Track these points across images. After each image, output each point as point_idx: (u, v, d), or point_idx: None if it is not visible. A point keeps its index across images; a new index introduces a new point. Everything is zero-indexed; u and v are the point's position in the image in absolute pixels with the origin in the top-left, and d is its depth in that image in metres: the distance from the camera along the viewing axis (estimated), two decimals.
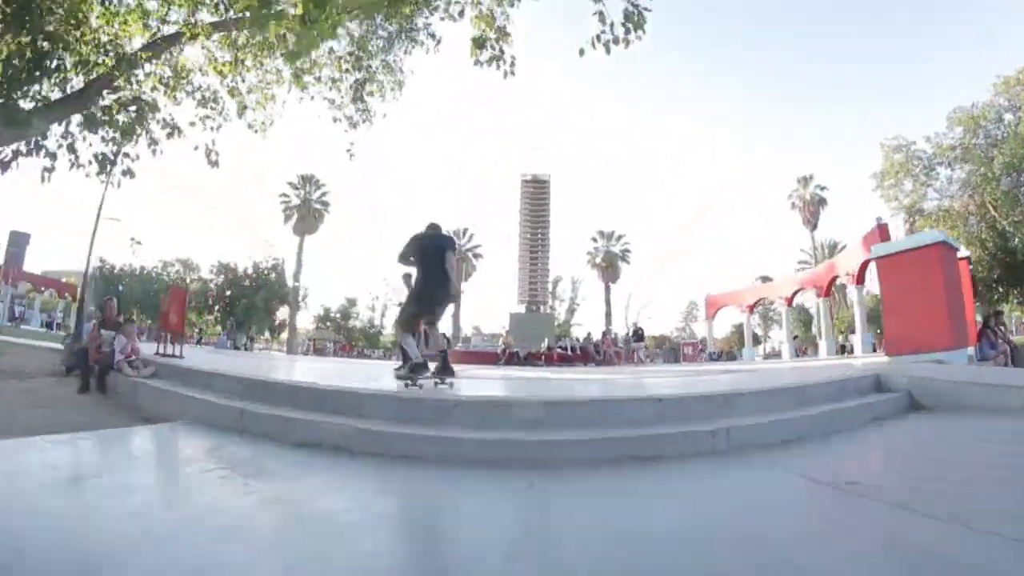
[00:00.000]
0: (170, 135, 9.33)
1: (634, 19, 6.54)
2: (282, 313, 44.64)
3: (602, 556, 1.91)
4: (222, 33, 9.57)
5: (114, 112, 8.85)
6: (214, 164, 9.55)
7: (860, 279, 18.47)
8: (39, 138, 8.20)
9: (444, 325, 6.12)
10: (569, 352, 24.19)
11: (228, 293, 39.37)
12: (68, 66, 8.56)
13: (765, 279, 40.58)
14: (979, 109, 22.90)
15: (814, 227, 45.51)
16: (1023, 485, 2.62)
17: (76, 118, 8.57)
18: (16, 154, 8.09)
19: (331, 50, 10.57)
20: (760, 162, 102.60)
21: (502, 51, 7.08)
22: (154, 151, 9.30)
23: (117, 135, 8.70)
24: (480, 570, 1.83)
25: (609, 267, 52.48)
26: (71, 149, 8.45)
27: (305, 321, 53.13)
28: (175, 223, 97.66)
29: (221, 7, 9.33)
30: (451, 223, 49.62)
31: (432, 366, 5.38)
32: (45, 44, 7.99)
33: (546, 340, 25.92)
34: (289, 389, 4.69)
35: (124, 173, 8.98)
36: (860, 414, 4.40)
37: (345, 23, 9.71)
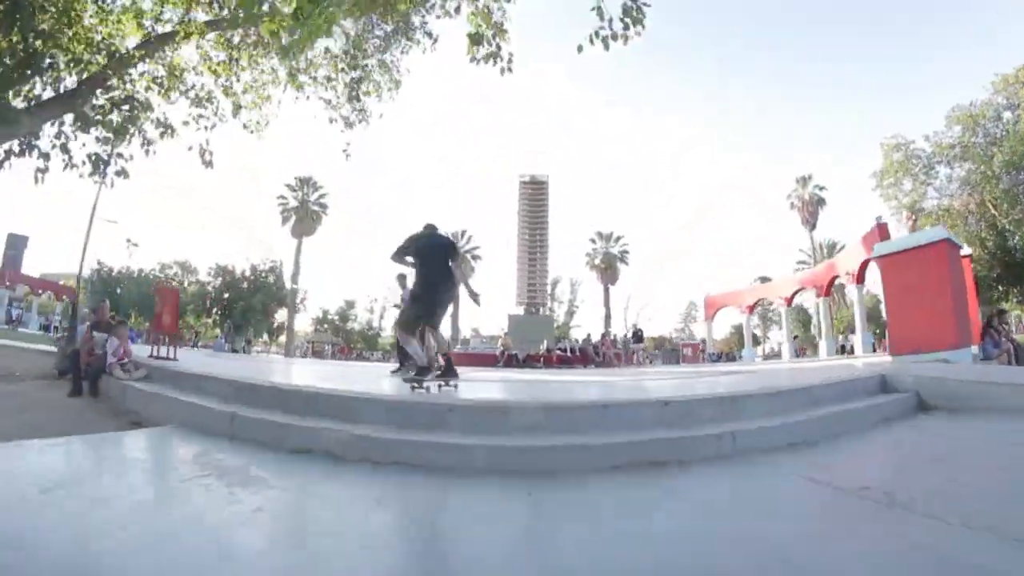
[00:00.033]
0: (163, 135, 9.24)
1: (632, 14, 6.43)
2: (280, 316, 44.58)
3: (606, 571, 1.79)
4: (216, 32, 9.50)
5: (107, 112, 8.75)
6: (208, 164, 9.47)
7: (860, 279, 18.38)
8: (32, 138, 8.11)
9: (443, 326, 5.97)
10: (568, 354, 24.10)
11: (226, 296, 39.25)
12: (61, 65, 8.48)
13: (764, 279, 40.51)
14: (978, 108, 22.89)
15: (813, 227, 45.44)
16: None
17: (69, 118, 8.49)
18: (8, 154, 8.01)
19: (327, 49, 10.50)
20: (760, 162, 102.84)
21: (499, 47, 6.97)
22: (147, 151, 9.21)
23: (110, 135, 8.59)
24: None
25: (608, 268, 52.36)
26: (64, 149, 8.37)
27: (304, 323, 53.06)
28: (168, 223, 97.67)
29: (215, 5, 9.25)
30: (449, 224, 49.59)
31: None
32: (37, 43, 7.90)
33: (545, 342, 25.83)
34: (281, 393, 4.54)
35: (118, 173, 8.89)
36: (868, 415, 4.28)
37: (340, 20, 9.63)
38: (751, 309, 26.92)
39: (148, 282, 39.66)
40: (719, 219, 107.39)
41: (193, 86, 9.76)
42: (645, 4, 6.48)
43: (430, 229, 6.03)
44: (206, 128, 9.63)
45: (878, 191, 25.40)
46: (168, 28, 9.09)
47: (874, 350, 19.00)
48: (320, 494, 2.78)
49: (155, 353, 8.21)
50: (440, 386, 5.27)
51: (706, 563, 1.90)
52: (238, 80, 10.12)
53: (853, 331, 25.86)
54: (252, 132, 10.65)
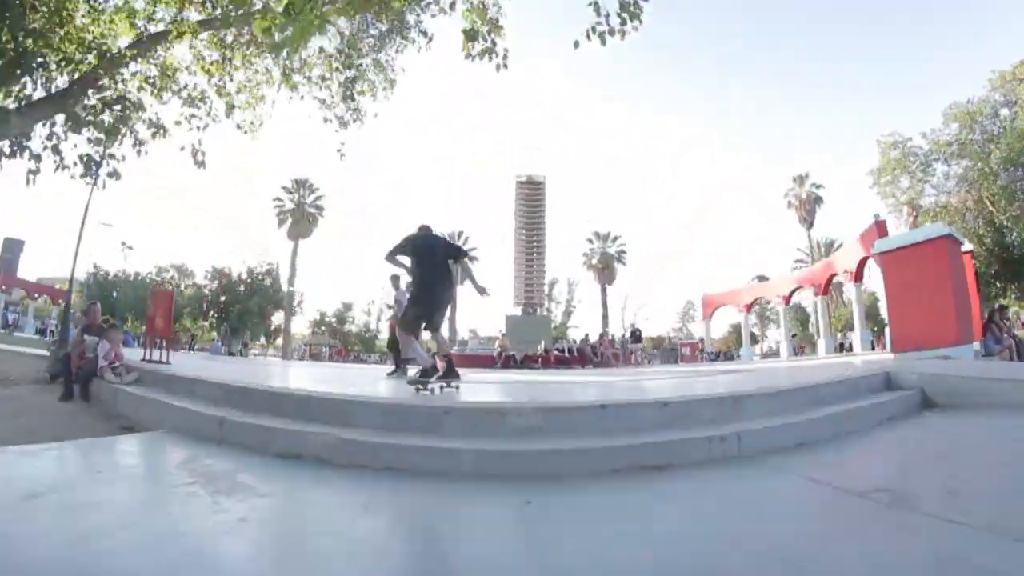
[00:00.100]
0: (155, 135, 9.14)
1: (630, 9, 6.38)
2: (277, 318, 44.42)
3: None
4: (209, 31, 9.41)
5: (98, 112, 8.66)
6: (200, 164, 9.36)
7: (858, 277, 18.36)
8: (23, 139, 8.02)
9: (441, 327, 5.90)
10: (566, 354, 24.03)
11: (223, 299, 39.10)
12: (52, 65, 8.38)
13: (762, 278, 40.45)
14: (975, 105, 22.85)
15: (810, 225, 45.40)
16: None
17: (60, 118, 8.39)
18: None
19: (321, 49, 10.42)
20: (760, 162, 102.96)
21: (494, 43, 6.89)
22: (139, 151, 9.11)
23: (102, 135, 8.50)
24: None
25: (605, 268, 52.26)
26: (56, 151, 8.29)
27: (301, 326, 52.88)
28: (160, 224, 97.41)
29: (208, 5, 9.16)
30: (445, 225, 49.53)
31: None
32: (28, 42, 7.80)
33: (543, 342, 25.75)
34: (272, 396, 4.43)
35: (110, 175, 8.82)
36: (873, 414, 4.18)
37: (332, 18, 9.55)
38: (749, 308, 26.88)
39: (144, 285, 39.44)
40: (719, 219, 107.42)
41: (186, 86, 9.67)
42: None
43: (425, 230, 5.97)
44: (199, 128, 9.54)
45: (875, 189, 25.35)
46: (161, 28, 9.00)
47: (872, 348, 18.97)
48: (308, 502, 2.68)
49: (148, 356, 8.10)
50: (442, 387, 5.23)
51: (715, 573, 1.80)
52: (231, 80, 10.04)
53: (851, 329, 25.87)
54: (246, 132, 10.57)
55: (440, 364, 5.38)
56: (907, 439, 3.73)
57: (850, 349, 21.04)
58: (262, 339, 45.92)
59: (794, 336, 30.36)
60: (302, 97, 10.51)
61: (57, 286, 36.05)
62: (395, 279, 9.13)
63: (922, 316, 7.48)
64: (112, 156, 8.78)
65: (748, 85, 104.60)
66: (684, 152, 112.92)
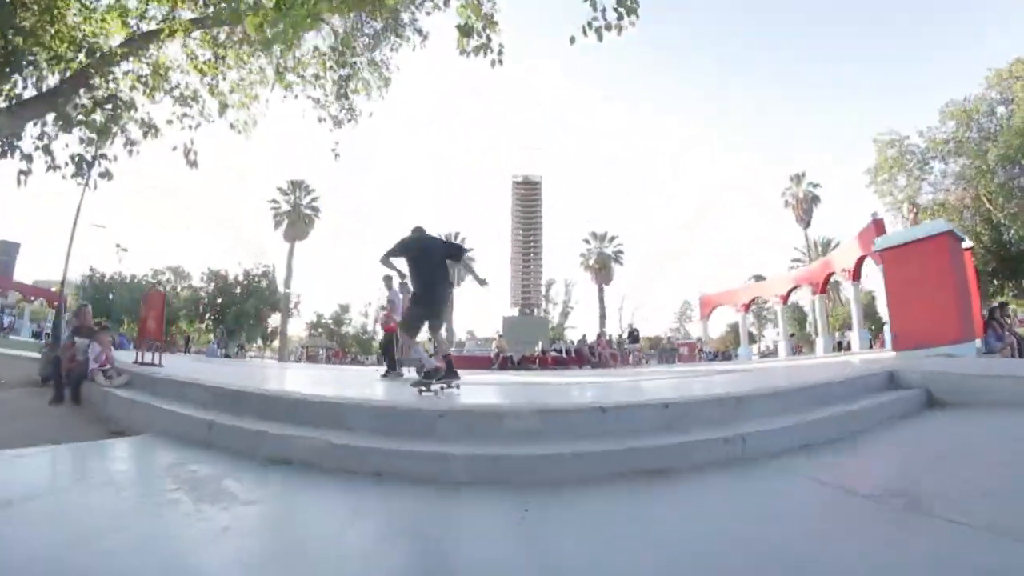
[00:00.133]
0: (147, 134, 9.03)
1: (626, 3, 6.26)
2: (274, 320, 44.24)
3: None
4: (202, 30, 9.30)
5: (89, 111, 8.55)
6: (193, 164, 9.25)
7: (856, 275, 18.32)
8: (14, 139, 7.92)
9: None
10: (564, 355, 23.93)
11: (219, 301, 38.91)
12: (42, 63, 8.29)
13: (758, 278, 40.41)
14: (971, 103, 22.87)
15: (807, 225, 45.35)
16: None
17: (51, 118, 8.29)
18: None
19: (315, 48, 10.33)
20: (760, 162, 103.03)
21: (489, 39, 6.77)
22: (131, 151, 9.00)
23: (94, 135, 8.40)
24: None
25: (602, 269, 52.16)
26: (47, 151, 8.18)
27: (298, 328, 52.70)
28: (152, 223, 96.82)
29: (201, 3, 9.06)
30: (441, 226, 49.45)
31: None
32: (17, 40, 7.71)
33: (540, 343, 25.68)
34: (262, 399, 4.32)
35: (101, 175, 8.72)
36: (878, 413, 4.07)
37: (325, 14, 9.45)
38: (746, 308, 26.82)
39: (140, 288, 39.22)
40: (719, 219, 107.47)
41: (177, 85, 9.55)
42: None
43: (419, 231, 5.94)
44: (191, 127, 9.43)
45: (872, 187, 25.36)
46: (153, 26, 8.89)
47: (871, 346, 18.92)
48: (295, 509, 2.57)
49: (140, 359, 7.98)
50: (442, 388, 5.19)
51: None
52: (224, 79, 9.93)
53: (849, 328, 25.83)
54: (240, 132, 10.45)
55: (439, 365, 5.32)
56: (914, 439, 3.63)
57: (848, 348, 20.97)
58: (259, 341, 45.74)
59: (792, 335, 30.28)
60: (296, 96, 10.41)
61: (53, 289, 35.77)
62: (388, 280, 9.10)
63: (924, 313, 7.40)
64: (104, 156, 8.69)
65: (748, 85, 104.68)
66: (684, 152, 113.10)
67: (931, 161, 23.99)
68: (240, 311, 38.27)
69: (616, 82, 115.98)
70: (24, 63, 8.01)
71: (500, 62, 6.80)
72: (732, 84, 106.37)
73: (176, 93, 9.48)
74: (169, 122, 9.25)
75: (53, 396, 6.52)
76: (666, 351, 31.49)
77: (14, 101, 8.03)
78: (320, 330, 53.17)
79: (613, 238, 53.07)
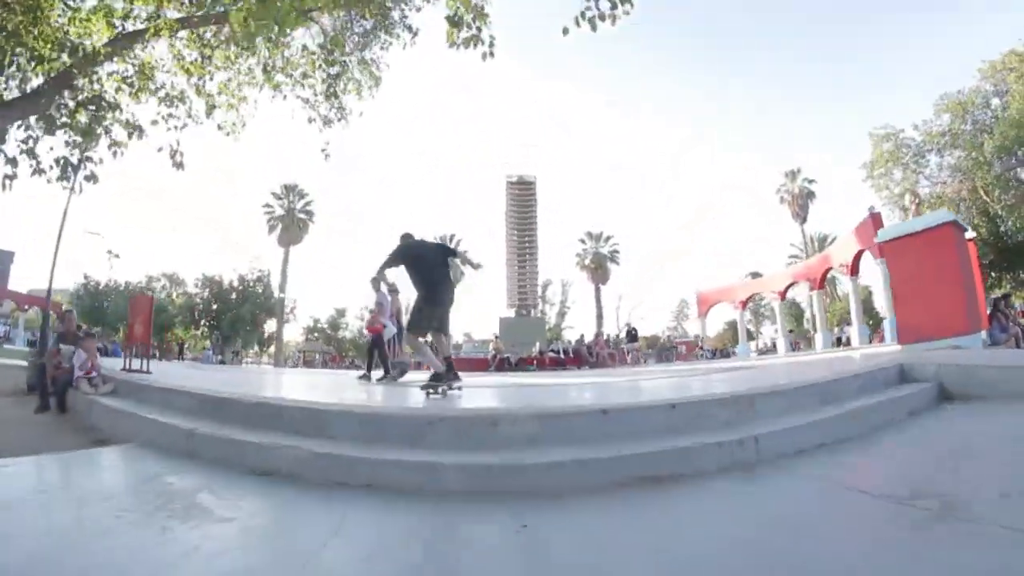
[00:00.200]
0: (131, 135, 8.83)
1: None
2: (271, 326, 43.98)
3: None
4: (188, 30, 9.14)
5: (74, 112, 8.38)
6: (179, 166, 9.05)
7: (854, 270, 18.22)
8: None
9: None
10: (562, 356, 23.76)
11: (214, 307, 38.63)
12: (24, 64, 8.11)
13: (755, 275, 40.32)
14: (966, 95, 22.85)
15: (804, 220, 45.37)
16: None
17: (36, 121, 8.11)
18: None
19: (304, 47, 10.18)
20: (760, 162, 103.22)
21: (479, 30, 6.61)
22: (115, 153, 8.81)
23: (79, 137, 8.23)
24: None
25: (598, 269, 52.03)
26: (31, 154, 8.02)
27: (295, 333, 52.37)
28: (137, 225, 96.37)
29: (187, 1, 8.90)
30: (437, 227, 49.28)
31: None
32: (0, 40, 7.54)
33: (537, 344, 25.52)
34: (247, 406, 4.10)
35: (87, 178, 8.53)
36: (894, 409, 3.88)
37: (312, 8, 9.30)
38: (744, 304, 26.71)
39: (135, 295, 38.96)
40: (719, 219, 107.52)
41: (163, 85, 9.36)
42: None
43: (408, 237, 6.06)
44: (176, 128, 9.24)
45: (868, 182, 25.35)
46: (139, 26, 8.72)
47: (870, 341, 18.80)
48: (271, 527, 2.36)
49: (128, 366, 7.79)
50: (445, 389, 5.17)
51: None
52: (211, 79, 9.77)
53: (847, 323, 25.73)
54: (228, 134, 10.28)
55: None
56: (932, 435, 3.44)
57: (848, 343, 20.84)
58: (255, 347, 45.45)
59: (791, 332, 30.18)
60: (285, 97, 10.28)
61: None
62: (375, 282, 8.95)
63: (929, 306, 7.22)
64: (89, 159, 8.51)
65: (748, 85, 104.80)
66: (684, 152, 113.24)
67: (927, 154, 24.01)
68: (236, 317, 37.98)
69: (616, 82, 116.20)
70: (7, 64, 7.84)
71: (492, 54, 6.65)
72: (732, 84, 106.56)
73: (162, 94, 9.31)
74: (154, 123, 9.06)
75: (38, 405, 6.43)
76: (665, 349, 31.31)
77: None
78: (316, 335, 52.80)
79: (609, 238, 52.99)
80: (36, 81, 8.30)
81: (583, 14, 6.18)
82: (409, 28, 10.31)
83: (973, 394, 4.26)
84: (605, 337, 26.57)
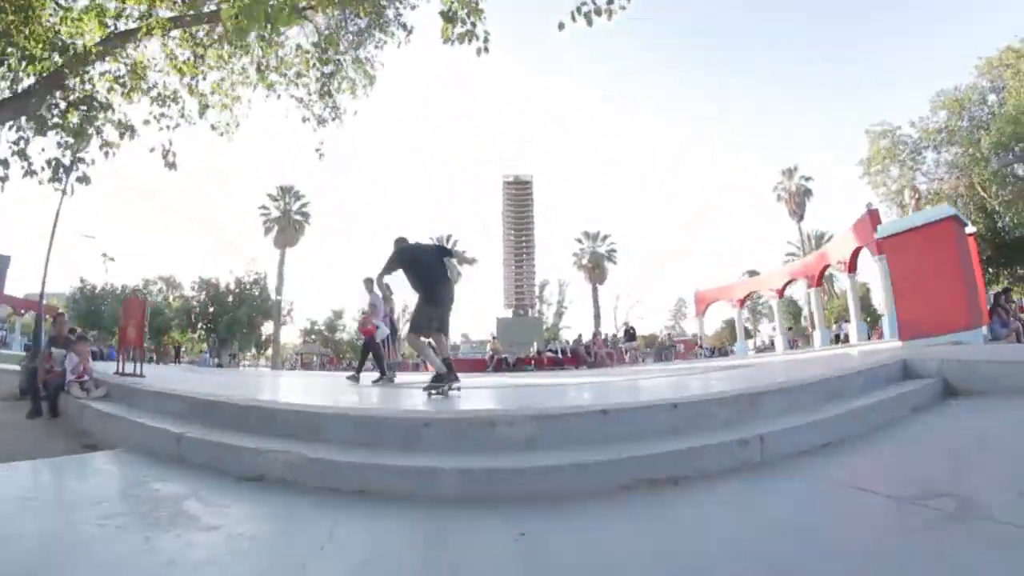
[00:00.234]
0: (123, 135, 8.74)
1: None
2: (268, 328, 43.85)
3: None
4: (181, 29, 9.06)
5: (66, 113, 8.30)
6: (171, 166, 8.97)
7: (852, 267, 18.17)
8: None
9: None
10: (559, 355, 23.68)
11: (211, 310, 38.48)
12: (14, 64, 8.03)
13: (752, 273, 40.33)
14: (963, 92, 22.87)
15: (801, 218, 45.42)
16: None
17: (26, 122, 8.03)
18: None
19: (298, 46, 10.10)
20: (760, 162, 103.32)
21: (474, 25, 6.54)
22: (107, 153, 8.73)
23: (70, 138, 8.16)
24: None
25: (595, 268, 51.96)
26: (23, 155, 7.94)
27: (292, 335, 52.25)
28: (128, 225, 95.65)
29: (179, 1, 8.83)
30: (432, 226, 49.20)
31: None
32: None
33: (535, 344, 25.45)
34: (239, 409, 4.01)
35: (79, 179, 8.46)
36: (898, 406, 3.80)
37: (308, 13, 9.25)
38: (742, 303, 26.65)
39: (128, 297, 38.72)
40: (719, 219, 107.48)
41: (155, 84, 9.27)
42: None
43: (402, 242, 6.07)
44: (169, 128, 9.16)
45: (866, 179, 25.34)
46: (131, 25, 8.63)
47: (869, 338, 18.74)
48: (258, 537, 2.26)
49: (121, 369, 7.69)
50: (447, 389, 5.20)
51: None
52: (204, 79, 9.68)
53: (845, 321, 25.70)
54: (222, 134, 10.21)
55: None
56: (941, 432, 3.37)
57: (846, 340, 20.78)
58: (253, 350, 45.33)
59: (790, 329, 30.16)
60: (279, 96, 10.21)
61: (44, 302, 35.34)
62: (368, 282, 8.91)
63: (930, 301, 7.17)
64: (81, 160, 8.43)
65: (748, 85, 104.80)
66: (684, 152, 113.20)
67: (924, 151, 24.06)
68: (232, 319, 37.85)
69: (612, 77, 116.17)
70: None
71: (486, 50, 6.60)
72: (732, 84, 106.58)
73: (154, 93, 9.23)
74: (146, 122, 8.99)
75: (30, 409, 6.33)
76: (664, 348, 31.23)
77: None
78: (314, 337, 52.69)
79: (606, 237, 52.91)
80: (27, 81, 8.23)
81: (579, 9, 6.14)
82: (404, 26, 10.24)
83: (977, 390, 4.19)
84: (603, 337, 26.52)
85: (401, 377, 9.41)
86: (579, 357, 22.42)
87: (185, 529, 2.20)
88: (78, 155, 8.39)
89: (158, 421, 4.23)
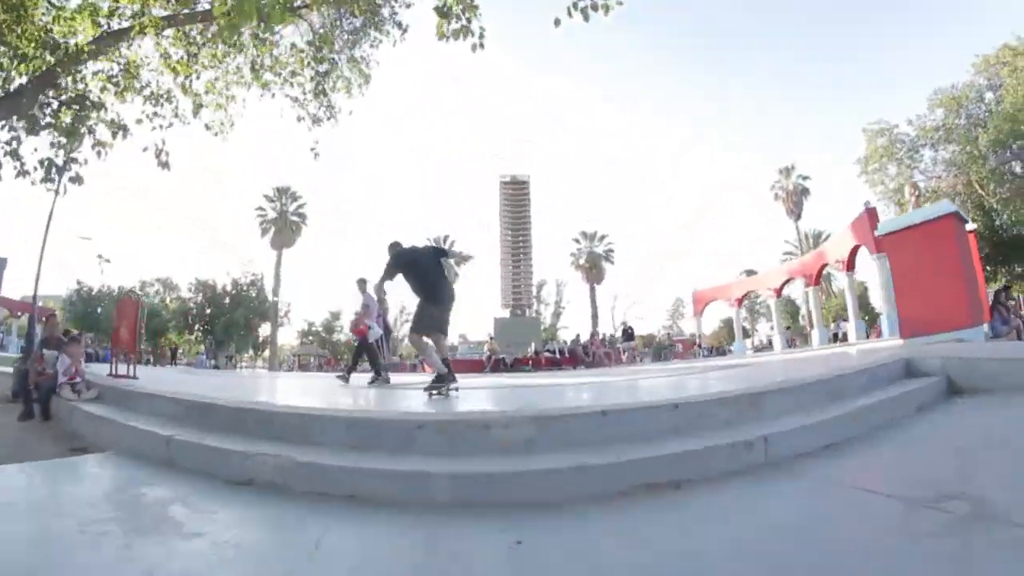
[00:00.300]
0: (116, 135, 8.67)
1: None
2: (265, 330, 43.72)
3: None
4: (175, 28, 8.98)
5: (58, 113, 8.23)
6: (164, 165, 8.89)
7: (850, 265, 18.15)
8: None
9: None
10: (557, 356, 23.61)
11: (208, 311, 38.34)
12: (8, 63, 7.96)
13: (750, 272, 40.32)
14: (960, 90, 22.86)
15: (798, 217, 45.48)
16: None
17: (19, 120, 7.95)
18: None
19: (293, 45, 10.03)
20: (760, 162, 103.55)
21: (469, 21, 6.47)
22: (99, 153, 8.65)
23: (63, 138, 8.09)
24: None
25: (593, 268, 51.94)
26: (15, 155, 7.87)
27: (289, 337, 52.08)
28: (121, 225, 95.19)
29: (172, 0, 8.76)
30: (428, 224, 49.12)
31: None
32: None
33: (533, 344, 25.39)
34: (230, 411, 3.92)
35: (72, 179, 8.40)
36: (902, 405, 3.74)
37: (303, 12, 9.17)
38: (740, 302, 26.61)
39: (122, 298, 38.49)
40: (719, 219, 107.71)
41: (148, 83, 9.20)
42: None
43: (397, 246, 6.13)
44: (161, 127, 9.09)
45: (863, 177, 25.32)
46: (124, 24, 8.56)
47: (867, 336, 18.70)
48: (243, 544, 2.15)
49: (114, 371, 7.61)
50: (444, 391, 5.20)
51: None
52: (198, 78, 9.61)
53: (843, 319, 25.69)
54: (216, 134, 10.13)
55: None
56: (948, 431, 3.30)
57: (844, 339, 20.75)
58: (250, 351, 45.18)
59: (787, 328, 30.12)
60: (273, 95, 10.16)
61: (40, 303, 35.17)
62: (362, 283, 8.89)
63: (932, 299, 7.10)
64: (74, 160, 8.36)
65: (748, 85, 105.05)
66: (684, 152, 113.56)
67: (921, 149, 24.05)
68: (229, 321, 37.74)
69: (612, 77, 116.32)
70: None
71: (482, 46, 6.55)
72: (732, 84, 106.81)
73: (147, 92, 9.16)
74: (139, 122, 8.95)
75: (22, 412, 6.25)
76: (663, 348, 31.18)
77: None
78: (311, 338, 52.53)
79: (603, 237, 52.91)
80: (19, 80, 8.17)
81: (575, 4, 6.09)
82: (399, 25, 10.20)
83: (981, 387, 4.15)
84: (601, 337, 26.47)
85: (396, 378, 9.34)
86: (577, 357, 22.36)
87: (169, 536, 2.12)
88: (71, 155, 8.32)
89: (149, 424, 4.14)
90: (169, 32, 9.03)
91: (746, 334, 40.17)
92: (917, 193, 11.39)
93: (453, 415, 3.66)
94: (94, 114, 8.56)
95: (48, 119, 8.18)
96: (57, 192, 9.03)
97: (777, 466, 2.65)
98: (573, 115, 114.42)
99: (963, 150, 21.99)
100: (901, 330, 7.93)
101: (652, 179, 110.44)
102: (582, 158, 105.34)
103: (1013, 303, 10.31)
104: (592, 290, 52.00)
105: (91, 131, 8.55)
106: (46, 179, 8.29)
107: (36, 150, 8.09)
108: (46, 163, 8.13)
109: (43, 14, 8.26)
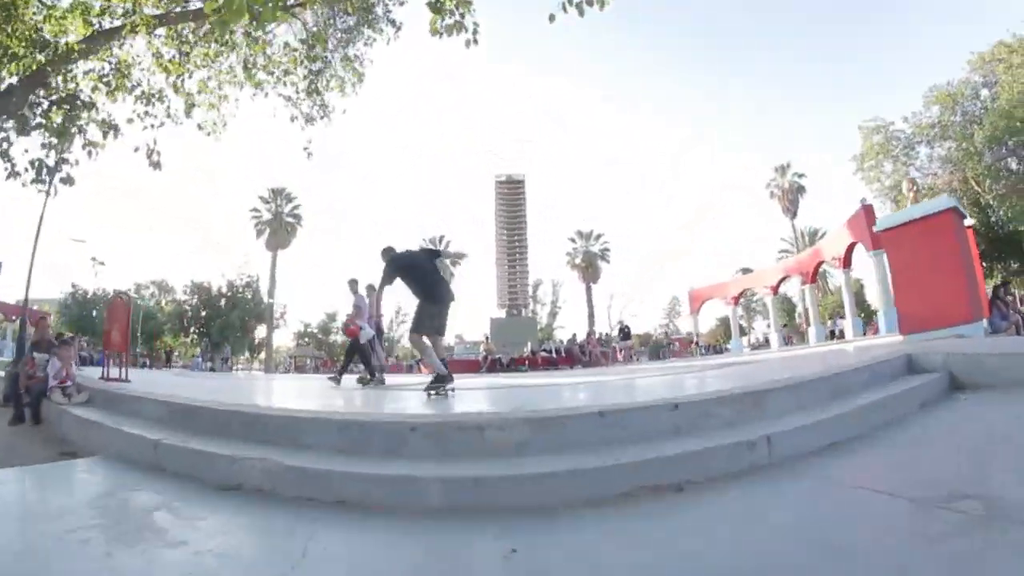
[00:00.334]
0: (107, 135, 8.57)
1: None
2: (261, 332, 43.54)
3: None
4: (167, 27, 8.90)
5: (49, 113, 8.14)
6: (156, 165, 8.79)
7: (847, 263, 18.16)
8: None
9: None
10: (554, 355, 23.58)
11: (203, 313, 38.16)
12: None
13: (746, 271, 40.34)
14: (955, 87, 22.87)
15: (794, 215, 45.53)
16: None
17: (9, 123, 7.85)
18: None
19: (286, 44, 9.95)
20: (760, 162, 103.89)
21: (463, 16, 6.40)
22: (90, 153, 8.55)
23: (54, 138, 8.00)
24: None
25: (589, 267, 51.92)
26: (5, 156, 7.78)
27: (286, 338, 51.91)
28: (112, 225, 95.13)
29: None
30: (423, 223, 49.03)
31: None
32: None
33: (529, 344, 25.35)
34: (219, 414, 3.83)
35: (63, 180, 8.30)
36: (906, 402, 3.66)
37: (297, 10, 9.09)
38: (736, 300, 26.61)
39: (113, 300, 38.25)
40: (719, 219, 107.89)
41: (140, 83, 9.10)
42: None
43: (391, 251, 6.17)
44: (153, 127, 8.99)
45: (859, 174, 25.33)
46: (115, 23, 8.47)
47: (864, 334, 18.70)
48: (227, 553, 2.06)
49: (106, 374, 7.52)
50: (442, 391, 5.26)
51: None
52: (190, 77, 9.52)
53: (839, 317, 25.71)
54: (209, 134, 10.04)
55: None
56: (954, 428, 3.22)
57: (841, 336, 20.75)
58: (246, 353, 45.00)
59: (784, 326, 30.14)
60: (266, 95, 10.06)
61: (35, 307, 35.00)
62: (353, 283, 8.88)
63: (931, 295, 7.05)
64: (65, 160, 8.27)
65: (748, 85, 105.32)
66: (684, 152, 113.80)
67: (917, 146, 24.06)
68: (225, 323, 37.54)
69: (612, 77, 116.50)
70: None
71: (475, 42, 6.49)
72: (732, 84, 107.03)
73: (139, 92, 9.06)
74: (130, 121, 8.85)
75: (12, 416, 6.16)
76: (660, 347, 31.15)
77: None
78: (307, 339, 52.36)
79: (599, 236, 52.88)
80: (9, 80, 8.07)
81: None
82: (392, 23, 10.15)
83: (982, 383, 4.09)
84: (597, 336, 26.44)
85: (391, 379, 9.27)
86: (574, 357, 22.33)
87: (151, 544, 2.04)
88: (62, 155, 8.24)
89: (137, 428, 4.05)
90: (161, 31, 8.94)
91: (743, 332, 40.24)
92: (915, 189, 11.33)
93: (447, 417, 3.58)
94: (85, 114, 8.46)
95: (39, 119, 8.08)
96: (48, 193, 8.95)
97: (781, 466, 2.57)
98: (573, 115, 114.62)
99: (959, 147, 22.00)
100: (900, 326, 7.88)
101: (652, 179, 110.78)
102: (582, 158, 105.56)
103: (1011, 298, 10.26)
104: (588, 289, 51.99)
105: (82, 131, 8.45)
106: (37, 180, 8.19)
107: (27, 151, 8.00)
108: (37, 164, 8.03)
109: (34, 13, 8.16)
